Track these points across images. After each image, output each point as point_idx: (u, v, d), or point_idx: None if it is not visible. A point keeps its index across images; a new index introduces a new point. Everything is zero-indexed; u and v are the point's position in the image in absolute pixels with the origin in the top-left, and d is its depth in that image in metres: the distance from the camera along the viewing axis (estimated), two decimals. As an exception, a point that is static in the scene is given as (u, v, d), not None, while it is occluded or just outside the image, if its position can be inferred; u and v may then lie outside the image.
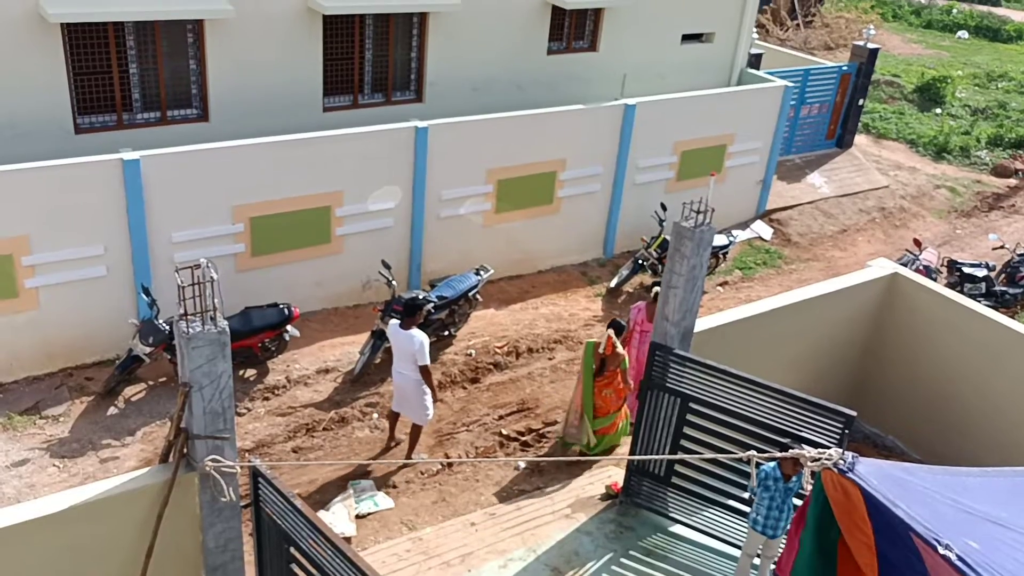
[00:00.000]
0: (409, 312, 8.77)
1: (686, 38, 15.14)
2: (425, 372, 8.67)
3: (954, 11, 33.19)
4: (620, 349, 9.00)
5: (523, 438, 9.80)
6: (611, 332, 8.95)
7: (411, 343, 8.57)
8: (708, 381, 7.76)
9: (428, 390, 8.77)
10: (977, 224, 17.02)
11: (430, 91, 12.80)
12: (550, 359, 11.27)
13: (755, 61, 16.82)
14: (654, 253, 12.78)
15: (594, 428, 9.11)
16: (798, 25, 26.88)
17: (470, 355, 11.02)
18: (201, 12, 10.51)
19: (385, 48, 12.40)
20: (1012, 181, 18.87)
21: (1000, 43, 30.65)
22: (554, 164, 12.72)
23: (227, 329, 5.53)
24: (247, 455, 8.64)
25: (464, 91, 13.01)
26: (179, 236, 10.09)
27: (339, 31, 11.93)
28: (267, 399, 9.89)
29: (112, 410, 9.47)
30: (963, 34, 31.21)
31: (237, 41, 11.04)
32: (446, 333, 11.08)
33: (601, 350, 8.92)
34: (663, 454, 8.11)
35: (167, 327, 9.38)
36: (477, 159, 11.97)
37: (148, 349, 9.46)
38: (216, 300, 5.46)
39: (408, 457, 9.11)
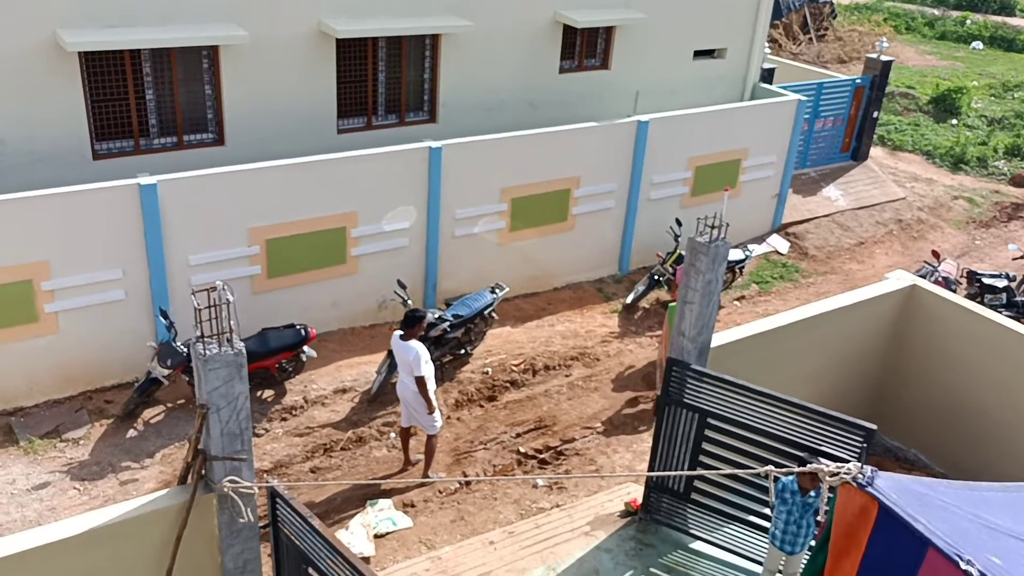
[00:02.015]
0: (409, 323, 8.82)
1: (698, 54, 15.16)
2: (420, 383, 8.70)
3: (968, 22, 33.08)
4: None
5: (541, 455, 9.76)
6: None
7: (408, 353, 8.65)
8: (726, 396, 7.70)
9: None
10: (996, 234, 16.87)
11: (443, 111, 12.88)
12: (567, 376, 11.24)
13: (768, 75, 16.83)
14: (670, 268, 12.74)
15: None
16: (811, 39, 26.88)
17: (487, 373, 11.01)
18: (216, 39, 10.65)
19: (398, 70, 12.51)
20: (1031, 191, 18.71)
21: (1015, 53, 30.51)
22: (568, 182, 12.74)
23: (243, 351, 5.57)
24: (265, 476, 8.66)
25: (477, 111, 13.09)
26: (196, 259, 10.18)
27: (352, 54, 12.05)
28: (285, 420, 9.92)
29: (131, 432, 9.52)
30: (977, 44, 31.09)
31: (251, 66, 11.17)
32: (462, 352, 11.08)
33: None
34: (682, 470, 8.05)
35: (185, 349, 9.45)
36: (491, 178, 12.02)
37: (166, 371, 9.52)
38: (232, 322, 5.51)
39: (425, 475, 9.10)
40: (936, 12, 34.81)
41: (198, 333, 5.46)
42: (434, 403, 8.84)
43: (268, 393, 10.24)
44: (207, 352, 5.46)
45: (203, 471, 5.88)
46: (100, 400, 9.91)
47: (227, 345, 5.53)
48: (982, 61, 28.70)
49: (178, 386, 9.90)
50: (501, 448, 9.82)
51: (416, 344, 8.73)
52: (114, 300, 9.87)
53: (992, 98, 24.00)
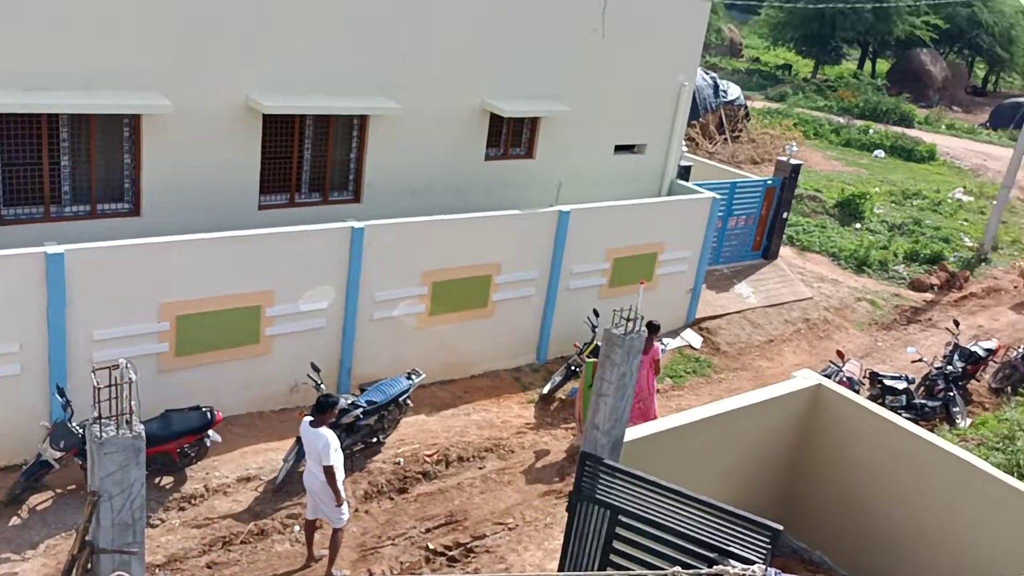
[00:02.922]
0: (320, 409, 8.59)
1: (619, 148, 15.65)
2: (328, 473, 8.43)
3: (871, 131, 35.18)
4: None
5: (451, 552, 9.52)
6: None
7: (317, 441, 8.40)
8: (638, 493, 7.68)
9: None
10: (897, 337, 17.61)
11: (369, 192, 12.89)
12: (480, 468, 11.08)
13: (685, 173, 17.45)
14: (587, 359, 12.83)
15: None
16: (726, 140, 28.10)
17: (398, 463, 10.77)
18: (140, 108, 10.47)
19: (324, 148, 12.51)
20: (928, 296, 19.69)
21: (914, 162, 32.46)
22: (489, 268, 12.83)
23: (143, 434, 5.31)
24: (157, 571, 8.19)
25: (402, 193, 13.14)
26: (100, 334, 9.78)
27: (278, 130, 12.01)
28: (183, 509, 9.45)
29: (15, 520, 8.91)
30: (879, 153, 33.01)
31: (174, 136, 10.99)
32: (374, 440, 10.84)
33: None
34: (592, 570, 7.94)
35: (80, 431, 8.96)
36: (413, 261, 12.00)
37: (58, 454, 8.99)
38: (133, 403, 5.26)
39: (328, 573, 8.74)
40: (842, 120, 36.95)
41: (95, 414, 5.20)
42: (342, 495, 8.56)
43: (167, 480, 9.76)
44: (103, 435, 5.19)
45: (89, 565, 5.52)
46: (-17, 482, 9.30)
47: (125, 427, 5.27)
48: (884, 169, 30.43)
49: (70, 470, 9.34)
50: (410, 544, 9.54)
51: (326, 431, 8.50)
52: (8, 375, 9.35)
53: (893, 204, 25.37)
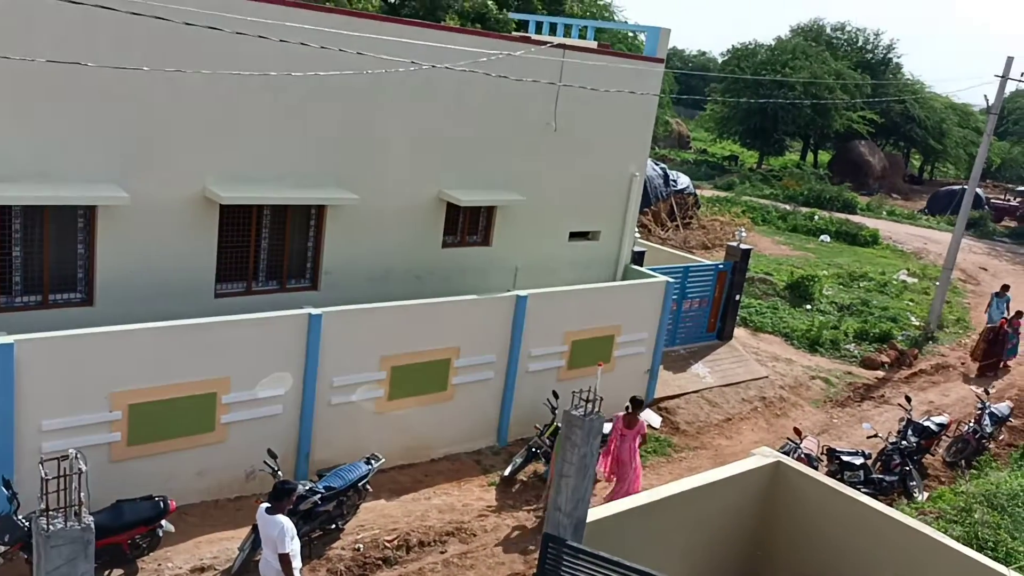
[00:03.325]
0: (276, 496, 8.48)
1: (573, 235, 16.00)
2: (284, 561, 8.25)
3: (816, 217, 36.40)
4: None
5: (412, 642, 9.25)
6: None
7: (273, 529, 8.26)
8: (601, 574, 7.61)
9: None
10: (852, 413, 17.86)
11: (326, 279, 12.95)
12: (442, 552, 10.87)
13: (638, 258, 17.83)
14: (547, 441, 12.80)
15: None
16: (677, 226, 28.82)
17: (358, 550, 10.52)
18: (95, 199, 10.49)
19: (281, 237, 12.60)
20: (880, 373, 20.08)
21: (858, 246, 33.57)
22: (448, 352, 12.85)
23: (92, 526, 5.17)
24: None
25: (361, 280, 13.22)
26: (49, 424, 9.55)
27: (235, 220, 12.08)
28: (133, 603, 9.11)
29: (-48, 619, 8.51)
30: (825, 238, 34.08)
31: (130, 227, 11.01)
32: (333, 526, 10.60)
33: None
34: (558, 654, 7.76)
35: (26, 523, 8.65)
36: (371, 346, 12.00)
37: (3, 548, 8.65)
38: (83, 494, 5.14)
39: (286, 665, 8.42)
40: (788, 207, 38.22)
41: (43, 506, 5.06)
42: None
43: (117, 573, 9.40)
44: (50, 527, 5.05)
45: (34, 663, 5.28)
46: (-81, 581, 8.87)
47: (74, 520, 5.13)
48: (830, 252, 31.37)
49: (14, 565, 8.96)
50: (370, 633, 9.27)
51: (283, 519, 8.33)
52: (-50, 467, 9.06)
53: (841, 286, 26.07)
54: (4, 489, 8.88)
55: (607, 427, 13.49)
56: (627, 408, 12.37)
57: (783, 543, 10.16)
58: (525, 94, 14.12)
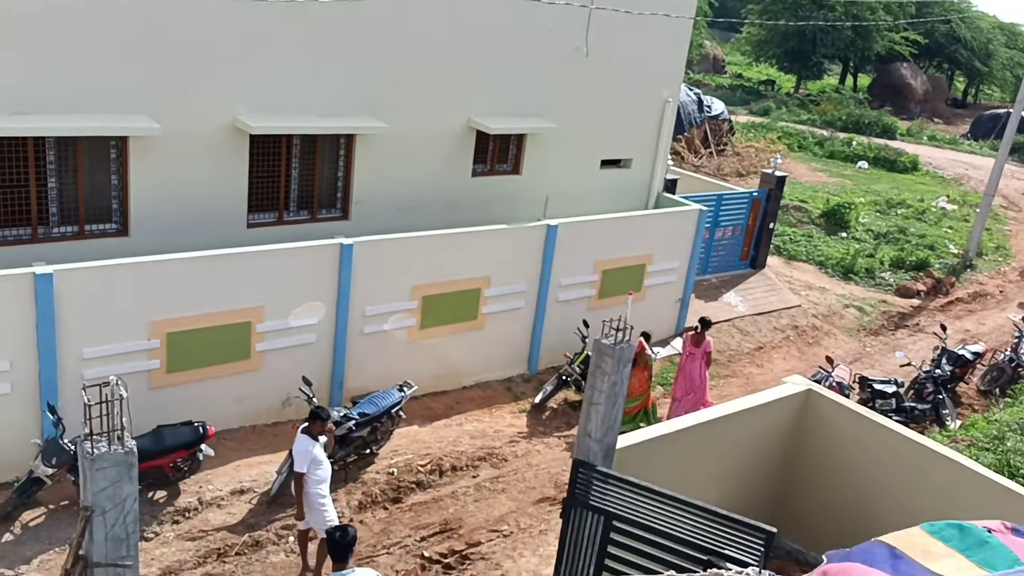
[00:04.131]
0: (310, 417, 8.76)
1: (605, 163, 15.79)
2: (296, 480, 8.56)
3: (854, 143, 35.55)
4: (648, 351, 12.64)
5: (446, 560, 9.52)
6: (642, 338, 12.56)
7: (298, 446, 8.58)
8: (631, 499, 7.71)
9: (320, 495, 8.58)
10: (885, 342, 17.74)
11: (357, 209, 12.96)
12: (474, 477, 11.10)
13: (671, 186, 17.61)
14: (577, 369, 12.90)
15: (625, 406, 11.54)
16: (711, 153, 28.35)
17: (392, 474, 10.78)
18: (127, 130, 10.53)
19: (311, 167, 12.59)
20: (915, 301, 19.85)
21: (897, 172, 32.82)
22: (478, 281, 12.89)
23: (135, 449, 5.32)
24: (151, 584, 8.17)
25: (390, 210, 13.22)
26: (91, 352, 9.78)
27: (266, 150, 12.08)
28: (177, 522, 9.43)
29: (7, 536, 8.87)
30: (863, 164, 33.34)
31: (162, 158, 11.05)
32: (368, 451, 10.85)
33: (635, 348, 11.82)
34: (588, 574, 7.95)
35: (72, 447, 8.96)
36: (402, 276, 12.06)
37: (50, 470, 8.98)
38: (125, 419, 5.28)
39: (320, 581, 8.74)
40: (825, 133, 37.34)
41: (87, 431, 5.21)
42: (303, 510, 8.62)
43: (160, 494, 9.74)
44: (95, 451, 5.20)
45: (83, 579, 5.51)
46: (-26, 501, 9.26)
47: (117, 443, 5.28)
48: (867, 179, 30.73)
49: (62, 486, 9.33)
50: (405, 552, 9.55)
51: (308, 441, 8.61)
52: (-1, 394, 9.37)
53: (878, 214, 25.61)
54: (50, 414, 9.17)
55: (677, 344, 14.75)
56: (696, 327, 13.12)
57: (813, 470, 10.22)
58: (556, 18, 13.80)
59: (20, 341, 9.34)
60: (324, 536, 8.69)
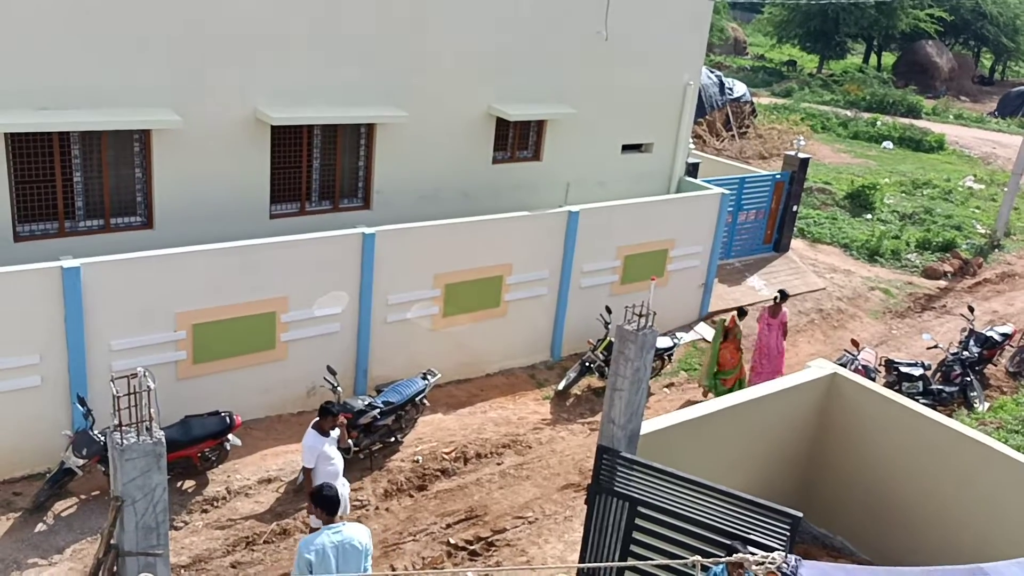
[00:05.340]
0: (320, 413, 8.84)
1: (626, 148, 15.70)
2: (304, 474, 8.80)
3: (878, 123, 35.08)
4: (739, 326, 13.41)
5: (472, 546, 9.57)
6: (735, 313, 13.63)
7: (304, 440, 8.71)
8: (656, 484, 7.71)
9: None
10: (911, 324, 17.55)
11: (377, 199, 12.99)
12: (499, 464, 11.14)
13: (693, 170, 17.48)
14: (601, 355, 12.89)
15: (720, 378, 13.23)
16: (733, 136, 28.10)
17: (417, 462, 10.84)
18: (149, 123, 10.61)
19: (333, 157, 12.63)
20: (942, 283, 19.61)
21: (923, 153, 32.36)
22: (500, 269, 12.90)
23: (163, 440, 5.39)
24: (182, 571, 8.29)
25: (412, 198, 13.25)
26: (118, 344, 9.91)
27: (287, 141, 12.13)
28: (205, 511, 9.56)
29: (40, 526, 9.04)
30: (888, 144, 32.91)
31: (185, 150, 11.14)
32: (392, 439, 10.92)
33: (726, 324, 13.35)
34: (612, 561, 7.97)
35: (102, 438, 9.09)
36: (424, 264, 12.09)
37: (81, 461, 9.13)
38: (152, 410, 5.35)
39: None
40: (849, 114, 36.87)
41: (116, 422, 5.28)
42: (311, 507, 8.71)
43: (189, 483, 9.87)
44: (124, 441, 5.28)
45: (115, 568, 5.60)
46: (8, 492, 9.41)
47: (146, 434, 5.35)
48: (892, 160, 30.34)
49: (93, 477, 9.48)
50: (431, 539, 9.61)
51: (314, 436, 8.70)
52: (29, 386, 9.49)
53: (903, 194, 25.29)
54: (80, 406, 9.31)
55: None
56: (775, 299, 13.88)
57: (840, 454, 10.16)
58: (575, 2, 13.70)
59: (49, 334, 9.48)
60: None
